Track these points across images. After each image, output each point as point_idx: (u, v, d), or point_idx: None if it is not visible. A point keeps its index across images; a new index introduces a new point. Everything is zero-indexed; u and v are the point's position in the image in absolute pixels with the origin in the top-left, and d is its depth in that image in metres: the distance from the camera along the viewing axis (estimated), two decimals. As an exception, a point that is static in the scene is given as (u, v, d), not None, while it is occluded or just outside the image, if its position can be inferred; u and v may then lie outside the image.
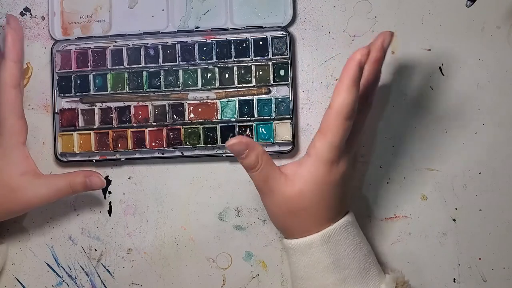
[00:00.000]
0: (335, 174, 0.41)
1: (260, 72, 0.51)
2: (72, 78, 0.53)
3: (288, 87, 0.51)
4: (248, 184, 0.52)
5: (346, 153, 0.42)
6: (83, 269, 0.54)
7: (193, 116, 0.52)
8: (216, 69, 0.51)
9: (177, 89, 0.52)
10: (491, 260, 0.50)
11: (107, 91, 0.53)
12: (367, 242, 0.44)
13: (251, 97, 0.51)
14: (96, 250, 0.54)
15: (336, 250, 0.41)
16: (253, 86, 0.51)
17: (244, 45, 0.51)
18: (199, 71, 0.51)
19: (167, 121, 0.52)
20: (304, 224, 0.42)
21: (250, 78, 0.51)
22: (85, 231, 0.54)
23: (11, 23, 0.51)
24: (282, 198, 0.42)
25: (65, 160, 0.53)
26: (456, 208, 0.50)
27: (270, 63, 0.51)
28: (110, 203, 0.54)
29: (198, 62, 0.52)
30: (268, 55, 0.51)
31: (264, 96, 0.51)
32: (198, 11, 0.52)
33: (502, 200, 0.50)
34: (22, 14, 0.55)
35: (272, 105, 0.51)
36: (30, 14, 0.55)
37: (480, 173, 0.50)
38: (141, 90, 0.52)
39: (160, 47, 0.52)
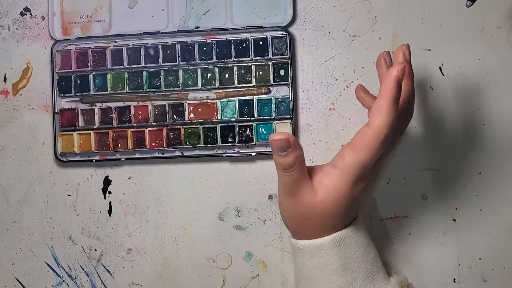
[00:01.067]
0: (358, 189, 0.40)
1: (260, 72, 0.51)
2: (72, 78, 0.53)
3: (288, 87, 0.51)
4: (248, 184, 0.52)
5: (374, 170, 0.41)
6: (83, 269, 0.54)
7: (193, 116, 0.52)
8: (216, 69, 0.51)
9: (177, 89, 0.52)
10: (491, 260, 0.50)
11: (107, 91, 0.53)
12: (374, 245, 0.44)
13: (251, 97, 0.51)
14: (96, 250, 0.54)
15: (346, 253, 0.41)
16: (253, 86, 0.51)
17: (244, 45, 0.51)
18: (199, 71, 0.51)
19: (167, 121, 0.52)
20: (316, 229, 0.41)
21: (250, 78, 0.51)
22: (85, 231, 0.54)
23: None
24: (303, 204, 0.40)
25: (65, 160, 0.53)
26: (456, 208, 0.50)
27: (270, 63, 0.51)
28: (110, 203, 0.54)
29: (198, 62, 0.52)
30: (268, 55, 0.51)
31: (264, 96, 0.51)
32: (198, 11, 0.52)
33: (502, 200, 0.50)
34: (22, 14, 0.55)
35: (272, 105, 0.51)
36: (30, 14, 0.55)
37: (480, 173, 0.50)
38: (141, 90, 0.52)
39: (160, 47, 0.52)
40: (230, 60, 0.51)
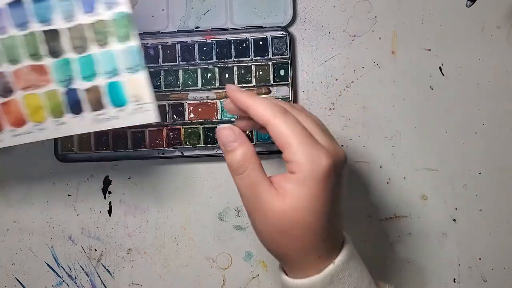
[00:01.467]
0: (332, 187, 0.36)
1: (260, 72, 0.51)
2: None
3: (288, 87, 0.51)
4: (248, 184, 0.52)
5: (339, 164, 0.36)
6: (83, 269, 0.54)
7: (193, 116, 0.52)
8: (216, 69, 0.51)
9: (177, 89, 0.52)
10: (491, 260, 0.50)
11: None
12: (366, 269, 0.40)
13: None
14: (96, 250, 0.54)
15: None
16: (253, 86, 0.51)
17: (244, 45, 0.51)
18: (199, 71, 0.51)
19: (167, 121, 0.52)
20: (299, 249, 0.37)
21: (250, 78, 0.51)
22: (85, 231, 0.54)
23: None
24: (272, 214, 0.36)
25: (65, 160, 0.53)
26: (456, 208, 0.50)
27: (270, 63, 0.51)
28: (110, 203, 0.54)
29: (198, 62, 0.51)
30: (268, 55, 0.51)
31: (264, 96, 0.51)
32: (198, 11, 0.52)
33: (502, 200, 0.50)
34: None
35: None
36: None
37: (480, 173, 0.50)
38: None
39: (160, 47, 0.52)
40: (230, 60, 0.51)
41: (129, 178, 0.53)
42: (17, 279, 0.54)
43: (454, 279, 0.50)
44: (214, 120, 0.51)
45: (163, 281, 0.53)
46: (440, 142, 0.50)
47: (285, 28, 0.51)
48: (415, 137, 0.51)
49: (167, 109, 0.52)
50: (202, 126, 0.51)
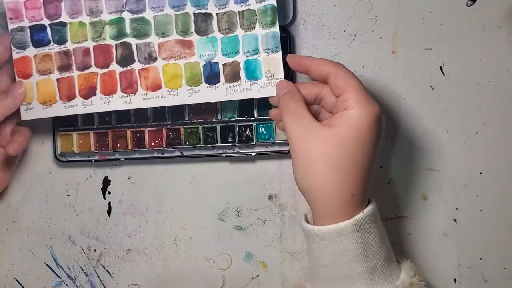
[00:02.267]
0: (375, 124, 0.41)
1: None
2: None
3: (288, 87, 0.50)
4: (248, 184, 0.52)
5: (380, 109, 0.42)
6: (83, 270, 0.54)
7: (193, 116, 0.52)
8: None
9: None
10: (492, 261, 0.50)
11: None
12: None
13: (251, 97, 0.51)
14: (95, 250, 0.54)
15: (366, 238, 0.40)
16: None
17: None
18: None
19: (167, 121, 0.51)
20: (333, 184, 0.40)
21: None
22: (85, 232, 0.54)
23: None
24: (314, 137, 0.40)
25: (65, 160, 0.53)
26: (457, 208, 0.50)
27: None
28: (109, 203, 0.53)
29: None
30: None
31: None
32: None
33: (503, 200, 0.50)
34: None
35: (272, 105, 0.50)
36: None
37: (481, 173, 0.50)
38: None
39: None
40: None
41: (128, 178, 0.53)
42: (16, 280, 0.54)
43: (455, 280, 0.50)
44: (214, 120, 0.51)
45: (162, 282, 0.53)
46: (440, 142, 0.50)
47: (285, 28, 0.50)
48: (415, 137, 0.50)
49: (166, 108, 0.51)
50: (202, 126, 0.51)
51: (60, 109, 0.49)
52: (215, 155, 0.51)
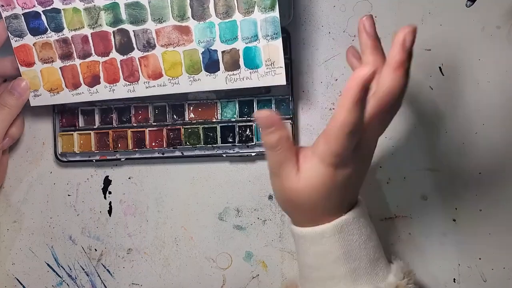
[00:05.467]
0: (340, 176, 0.39)
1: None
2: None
3: (288, 87, 0.51)
4: (248, 184, 0.52)
5: (356, 156, 0.39)
6: (83, 269, 0.54)
7: (193, 116, 0.52)
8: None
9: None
10: (491, 260, 0.50)
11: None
12: (376, 232, 0.44)
13: (251, 97, 0.51)
14: (96, 250, 0.54)
15: (348, 240, 0.41)
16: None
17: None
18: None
19: (167, 121, 0.52)
20: (308, 215, 0.41)
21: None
22: (85, 231, 0.54)
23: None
24: (287, 187, 0.40)
25: (65, 160, 0.53)
26: (456, 208, 0.50)
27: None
28: (110, 203, 0.54)
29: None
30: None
31: (264, 96, 0.51)
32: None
33: (502, 200, 0.50)
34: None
35: (272, 105, 0.51)
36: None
37: (480, 173, 0.50)
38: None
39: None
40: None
41: (129, 178, 0.53)
42: (17, 279, 0.54)
43: (454, 279, 0.50)
44: (214, 120, 0.51)
45: (163, 281, 0.53)
46: (440, 142, 0.50)
47: (285, 28, 0.50)
48: (415, 137, 0.51)
49: (167, 109, 0.52)
50: (202, 126, 0.51)
51: (68, 97, 0.50)
52: (215, 155, 0.52)
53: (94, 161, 0.53)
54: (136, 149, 0.52)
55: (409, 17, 0.50)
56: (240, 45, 0.46)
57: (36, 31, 0.48)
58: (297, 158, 0.40)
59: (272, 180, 0.42)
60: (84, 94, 0.49)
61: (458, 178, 0.50)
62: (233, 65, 0.47)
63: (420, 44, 0.50)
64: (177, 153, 0.52)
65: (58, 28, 0.48)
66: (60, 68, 0.49)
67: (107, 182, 0.54)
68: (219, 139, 0.51)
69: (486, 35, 0.50)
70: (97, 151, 0.53)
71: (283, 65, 0.46)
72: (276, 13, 0.45)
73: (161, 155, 0.52)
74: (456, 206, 0.50)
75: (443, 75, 0.50)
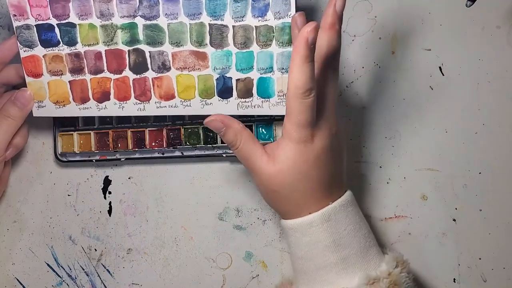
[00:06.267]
0: (312, 151, 0.41)
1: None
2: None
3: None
4: (248, 184, 0.52)
5: (320, 128, 0.41)
6: (83, 269, 0.54)
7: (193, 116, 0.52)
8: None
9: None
10: (491, 260, 0.50)
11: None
12: (366, 222, 0.44)
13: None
14: (96, 250, 0.54)
15: (337, 228, 0.41)
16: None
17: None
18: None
19: (167, 121, 0.52)
20: (290, 202, 0.42)
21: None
22: (85, 231, 0.54)
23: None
24: (264, 177, 0.42)
25: (65, 160, 0.53)
26: (456, 208, 0.50)
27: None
28: (110, 203, 0.54)
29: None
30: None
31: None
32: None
33: (502, 200, 0.50)
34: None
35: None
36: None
37: (480, 173, 0.50)
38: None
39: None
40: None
41: (129, 178, 0.53)
42: (17, 279, 0.54)
43: (454, 279, 0.50)
44: (214, 120, 0.51)
45: (163, 281, 0.53)
46: (440, 142, 0.50)
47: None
48: (415, 137, 0.51)
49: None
50: (202, 126, 0.51)
51: (74, 110, 0.49)
52: (215, 155, 0.51)
53: (94, 161, 0.53)
54: (136, 149, 0.52)
55: (409, 17, 0.50)
56: (255, 75, 0.47)
57: (48, 43, 0.48)
58: (266, 147, 0.43)
59: (252, 177, 0.44)
60: (92, 109, 0.49)
61: (457, 178, 0.50)
62: (246, 93, 0.47)
63: (420, 44, 0.50)
64: (177, 153, 0.52)
65: (72, 42, 0.48)
66: (69, 81, 0.48)
67: (107, 182, 0.54)
68: (219, 139, 0.51)
69: (486, 35, 0.50)
70: (97, 151, 0.52)
71: None
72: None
73: (161, 155, 0.52)
74: (456, 206, 0.50)
75: (443, 75, 0.50)
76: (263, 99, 0.47)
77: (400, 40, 0.50)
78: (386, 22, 0.51)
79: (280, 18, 0.45)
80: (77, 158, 0.53)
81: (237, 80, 0.47)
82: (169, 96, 0.48)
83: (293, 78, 0.39)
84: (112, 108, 0.49)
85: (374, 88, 0.51)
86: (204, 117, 0.45)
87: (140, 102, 0.48)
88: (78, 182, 0.54)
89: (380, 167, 0.51)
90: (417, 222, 0.51)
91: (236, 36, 0.46)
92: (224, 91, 0.47)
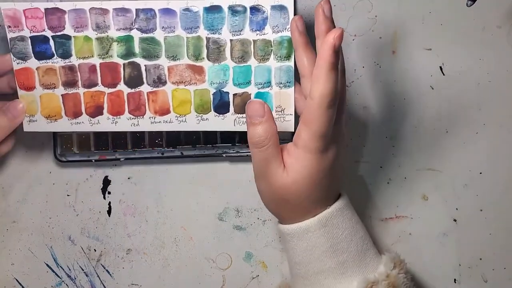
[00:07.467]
0: (325, 161, 0.40)
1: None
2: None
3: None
4: (248, 184, 0.52)
5: (333, 137, 0.41)
6: (83, 270, 0.54)
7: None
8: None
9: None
10: (491, 261, 0.50)
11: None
12: (363, 224, 0.44)
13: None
14: (95, 250, 0.54)
15: (334, 233, 0.41)
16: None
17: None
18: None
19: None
20: (297, 210, 0.42)
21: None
22: (85, 232, 0.54)
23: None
24: (277, 186, 0.41)
25: (65, 160, 0.53)
26: (456, 208, 0.50)
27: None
28: (109, 203, 0.53)
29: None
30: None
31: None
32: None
33: (502, 200, 0.50)
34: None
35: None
36: None
37: (480, 173, 0.50)
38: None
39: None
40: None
41: (128, 178, 0.53)
42: (16, 280, 0.54)
43: (455, 280, 0.50)
44: (214, 120, 0.51)
45: (162, 282, 0.53)
46: (440, 142, 0.50)
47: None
48: (415, 137, 0.50)
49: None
50: (202, 126, 0.51)
51: (66, 125, 0.48)
52: (215, 155, 0.51)
53: (93, 161, 0.53)
54: (136, 149, 0.52)
55: (409, 17, 0.50)
56: (252, 90, 0.46)
57: (42, 55, 0.47)
58: (282, 155, 0.42)
59: (258, 182, 0.43)
60: (84, 124, 0.48)
61: (458, 178, 0.50)
62: (243, 108, 0.46)
63: (421, 43, 0.50)
64: (177, 153, 0.52)
65: (66, 55, 0.47)
66: (62, 95, 0.48)
67: (106, 182, 0.53)
68: (219, 139, 0.51)
69: (487, 35, 0.50)
70: (96, 151, 0.52)
71: (293, 112, 0.46)
72: (291, 63, 0.45)
73: (161, 155, 0.52)
74: (456, 206, 0.50)
75: (443, 74, 0.50)
76: None
77: (401, 40, 0.50)
78: (386, 22, 0.50)
79: (278, 32, 0.45)
80: (77, 158, 0.53)
81: (234, 95, 0.46)
82: (164, 111, 0.47)
83: (319, 87, 0.37)
84: (105, 123, 0.48)
85: (374, 88, 0.51)
86: (199, 133, 0.44)
87: (134, 117, 0.48)
88: (78, 182, 0.54)
89: (381, 167, 0.51)
90: (417, 222, 0.51)
91: (234, 50, 0.45)
92: (221, 106, 0.47)
